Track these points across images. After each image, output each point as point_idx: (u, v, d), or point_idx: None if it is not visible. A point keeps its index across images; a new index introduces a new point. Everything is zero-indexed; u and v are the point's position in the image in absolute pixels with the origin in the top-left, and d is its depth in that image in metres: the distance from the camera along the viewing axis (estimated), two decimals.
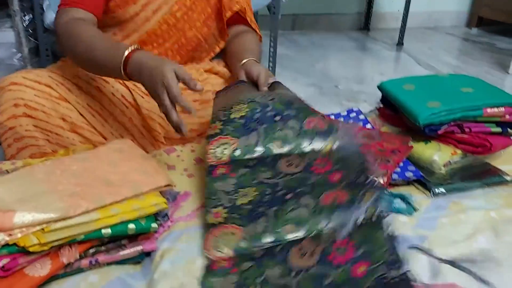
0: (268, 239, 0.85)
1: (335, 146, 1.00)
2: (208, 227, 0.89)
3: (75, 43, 1.07)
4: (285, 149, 0.98)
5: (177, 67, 0.94)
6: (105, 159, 0.91)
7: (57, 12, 1.16)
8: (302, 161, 0.96)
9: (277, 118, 1.00)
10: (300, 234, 0.85)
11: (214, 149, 0.98)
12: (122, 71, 0.99)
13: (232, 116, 0.99)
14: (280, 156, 0.97)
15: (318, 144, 1.00)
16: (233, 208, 0.90)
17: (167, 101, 0.94)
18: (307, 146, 1.00)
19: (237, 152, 0.97)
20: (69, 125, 1.18)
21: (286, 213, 0.87)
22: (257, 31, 1.37)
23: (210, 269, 0.82)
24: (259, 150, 0.97)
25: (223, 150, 0.98)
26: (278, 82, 1.14)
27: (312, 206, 0.87)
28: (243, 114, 0.98)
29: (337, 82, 2.15)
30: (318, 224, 0.85)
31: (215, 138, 0.99)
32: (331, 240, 0.81)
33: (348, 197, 0.87)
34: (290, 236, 0.85)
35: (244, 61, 1.19)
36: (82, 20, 1.12)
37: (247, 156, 0.97)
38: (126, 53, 0.97)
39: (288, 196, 0.89)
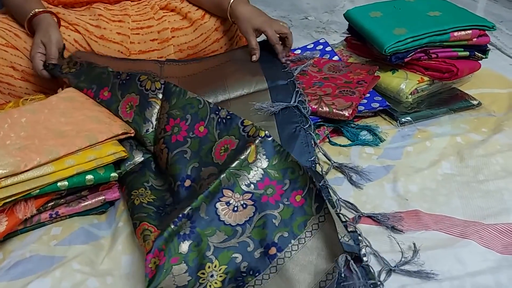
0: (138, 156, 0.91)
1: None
2: None
3: None
4: None
5: (45, 39, 1.04)
6: (56, 109, 0.86)
7: None
8: None
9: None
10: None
11: None
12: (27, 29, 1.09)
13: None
14: None
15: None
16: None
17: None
18: None
19: None
20: (20, 73, 1.11)
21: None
22: None
23: None
24: None
25: None
26: None
27: None
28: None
29: (306, 13, 2.07)
30: None
31: None
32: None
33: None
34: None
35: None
36: None
37: None
38: (29, 15, 1.07)
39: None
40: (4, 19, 1.13)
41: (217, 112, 0.84)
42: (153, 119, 0.90)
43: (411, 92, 1.09)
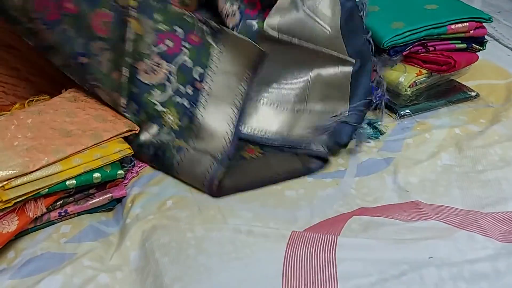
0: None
1: None
2: None
3: None
4: None
5: None
6: (61, 109, 0.88)
7: None
8: None
9: None
10: None
11: None
12: None
13: None
14: None
15: None
16: None
17: None
18: None
19: None
20: (24, 74, 1.13)
21: None
22: None
23: None
24: None
25: None
26: None
27: None
28: None
29: None
30: None
31: None
32: None
33: None
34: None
35: None
36: None
37: None
38: None
39: None
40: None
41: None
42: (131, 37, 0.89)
43: (409, 85, 1.10)
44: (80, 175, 0.79)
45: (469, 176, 0.90)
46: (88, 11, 0.85)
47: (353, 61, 1.01)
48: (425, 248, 0.73)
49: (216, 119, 0.91)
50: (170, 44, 0.89)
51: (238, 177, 0.89)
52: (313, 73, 1.01)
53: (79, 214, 0.84)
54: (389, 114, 1.09)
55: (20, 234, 0.78)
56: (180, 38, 0.89)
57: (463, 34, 1.12)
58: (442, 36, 1.11)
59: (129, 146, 0.86)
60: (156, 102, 0.91)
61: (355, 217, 0.81)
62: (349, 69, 1.01)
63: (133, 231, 0.80)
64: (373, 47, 1.06)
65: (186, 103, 0.91)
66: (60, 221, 0.83)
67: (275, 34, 0.97)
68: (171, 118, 0.91)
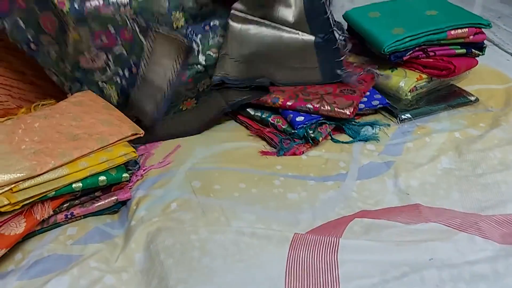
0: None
1: None
2: None
3: None
4: None
5: None
6: (67, 113, 0.89)
7: None
8: None
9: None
10: None
11: None
12: None
13: None
14: None
15: None
16: None
17: None
18: None
19: None
20: (29, 78, 1.14)
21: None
22: None
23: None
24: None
25: None
26: None
27: None
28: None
29: None
30: None
31: None
32: None
33: None
34: None
35: None
36: None
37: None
38: None
39: None
40: None
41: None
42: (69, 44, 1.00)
43: (410, 90, 1.12)
44: (86, 178, 0.81)
45: (469, 179, 0.91)
46: (37, 10, 0.97)
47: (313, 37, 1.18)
48: (425, 250, 0.74)
49: (146, 100, 1.05)
50: (105, 39, 0.99)
51: (170, 128, 1.07)
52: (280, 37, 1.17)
53: (85, 216, 0.85)
54: (389, 118, 1.11)
55: (27, 236, 0.79)
56: (113, 34, 0.99)
57: (462, 40, 1.14)
58: (442, 41, 1.13)
59: (134, 150, 0.88)
60: (98, 80, 1.03)
61: (357, 220, 0.82)
62: (311, 37, 1.18)
63: (138, 233, 0.81)
64: (333, 23, 1.20)
65: (124, 83, 1.04)
66: (66, 223, 0.84)
67: (243, 15, 1.13)
68: (112, 94, 1.04)
